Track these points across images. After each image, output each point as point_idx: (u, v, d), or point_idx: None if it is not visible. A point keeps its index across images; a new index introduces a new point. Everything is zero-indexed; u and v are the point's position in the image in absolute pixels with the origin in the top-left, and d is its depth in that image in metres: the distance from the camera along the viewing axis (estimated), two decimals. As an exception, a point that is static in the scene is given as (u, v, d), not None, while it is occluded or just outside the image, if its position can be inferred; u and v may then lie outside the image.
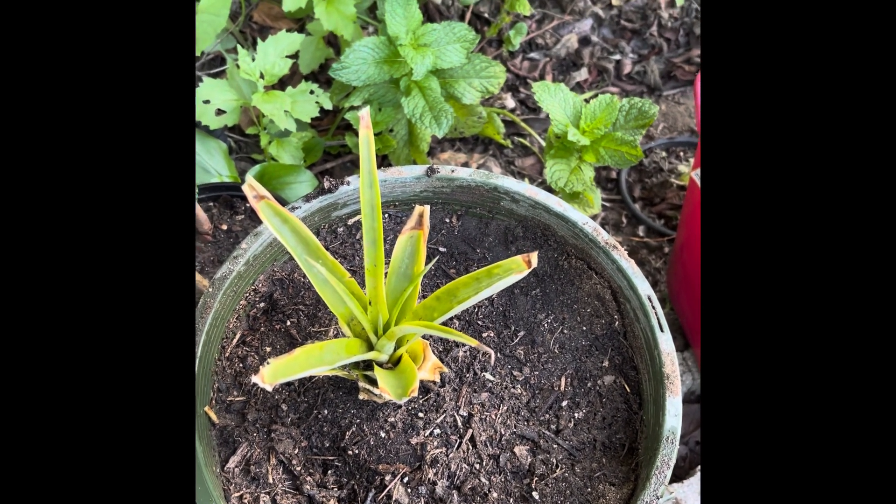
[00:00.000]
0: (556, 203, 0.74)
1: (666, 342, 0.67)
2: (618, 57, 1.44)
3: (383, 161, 1.32)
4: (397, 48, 1.09)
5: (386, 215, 0.79)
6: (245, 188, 0.56)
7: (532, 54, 1.45)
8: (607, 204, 1.30)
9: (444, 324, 0.73)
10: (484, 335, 0.73)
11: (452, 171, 0.76)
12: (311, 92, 1.13)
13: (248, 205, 1.05)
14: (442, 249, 0.79)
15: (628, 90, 1.42)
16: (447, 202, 0.79)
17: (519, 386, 0.71)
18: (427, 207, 0.62)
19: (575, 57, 1.45)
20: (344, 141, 1.30)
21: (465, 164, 1.34)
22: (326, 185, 0.74)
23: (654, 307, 0.69)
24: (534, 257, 0.57)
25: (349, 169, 1.33)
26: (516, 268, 0.57)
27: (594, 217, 1.27)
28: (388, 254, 0.73)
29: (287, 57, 1.11)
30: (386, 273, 0.64)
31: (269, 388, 0.47)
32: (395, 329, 0.57)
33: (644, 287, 0.70)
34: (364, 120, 0.55)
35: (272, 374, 0.49)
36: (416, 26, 1.12)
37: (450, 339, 0.73)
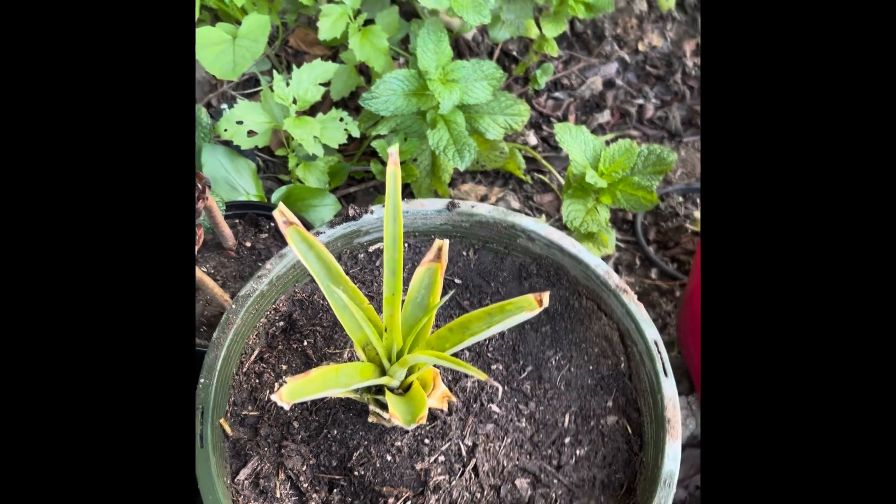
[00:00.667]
0: (570, 244, 0.77)
1: (669, 387, 0.69)
2: (641, 101, 1.47)
3: (405, 189, 1.35)
4: (426, 82, 1.12)
5: (406, 245, 0.82)
6: (276, 213, 0.59)
7: (557, 94, 1.49)
8: (622, 245, 1.32)
9: (456, 355, 0.75)
10: (493, 368, 0.75)
11: (472, 207, 0.79)
12: (341, 119, 1.16)
13: (272, 224, 1.08)
14: (457, 281, 0.81)
15: (649, 134, 1.45)
16: (465, 236, 0.82)
17: (524, 420, 0.73)
18: (446, 242, 0.65)
19: (598, 99, 1.48)
20: (368, 167, 1.34)
21: (485, 197, 1.37)
22: (351, 212, 0.77)
23: (659, 352, 0.71)
24: (545, 297, 0.59)
25: (372, 194, 1.36)
26: (528, 306, 0.60)
27: (608, 258, 1.29)
28: (405, 282, 0.76)
29: (320, 84, 1.16)
30: (403, 301, 0.67)
31: (287, 407, 0.50)
32: (407, 357, 0.60)
33: (651, 332, 0.72)
34: (393, 157, 0.58)
35: (290, 393, 0.51)
36: (446, 62, 1.16)
37: (459, 370, 0.75)
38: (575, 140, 1.09)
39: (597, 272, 0.76)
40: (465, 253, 0.82)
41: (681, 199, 1.37)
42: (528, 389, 0.75)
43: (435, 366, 0.72)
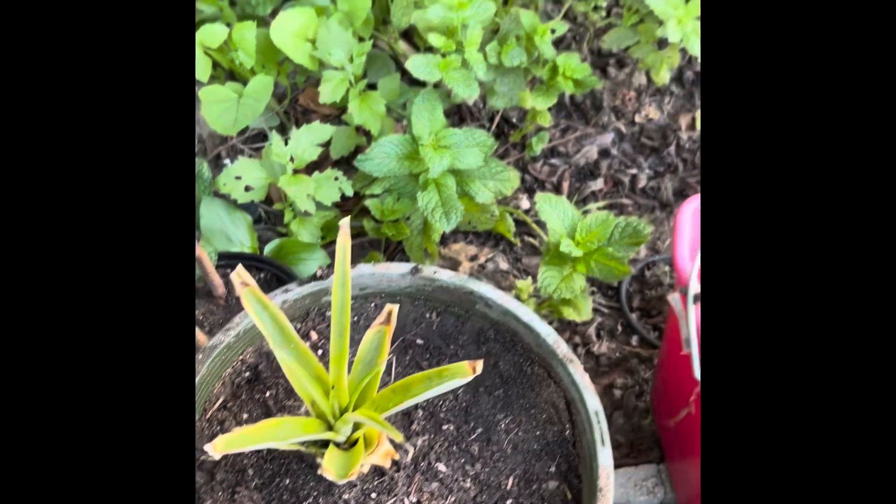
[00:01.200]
0: (524, 313, 0.81)
1: (605, 456, 0.72)
2: (634, 171, 1.52)
3: (398, 247, 1.40)
4: (419, 147, 1.18)
5: (373, 305, 0.86)
6: (233, 276, 0.64)
7: (553, 160, 1.54)
8: (605, 310, 1.35)
9: (407, 413, 0.79)
10: (444, 428, 0.79)
11: (434, 272, 0.84)
12: (336, 178, 1.23)
13: (261, 275, 1.14)
14: (419, 342, 0.85)
15: (641, 203, 1.49)
16: (429, 299, 0.86)
17: (469, 480, 0.76)
18: (396, 307, 0.69)
19: (593, 167, 1.53)
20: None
21: (475, 257, 1.42)
22: (319, 273, 0.82)
23: (599, 422, 0.74)
24: (479, 365, 0.63)
25: (367, 248, 1.41)
26: (462, 373, 0.64)
27: (587, 323, 1.32)
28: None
29: (318, 145, 1.22)
30: (354, 361, 0.71)
31: (217, 457, 0.54)
32: (346, 415, 0.64)
33: (593, 402, 0.75)
34: (343, 228, 0.63)
35: (225, 444, 0.56)
36: (439, 129, 1.21)
37: (411, 427, 0.79)
38: (554, 210, 1.13)
39: (546, 341, 0.79)
40: (428, 315, 0.87)
41: (667, 268, 1.40)
42: (475, 451, 0.78)
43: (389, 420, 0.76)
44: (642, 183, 1.51)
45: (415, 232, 1.33)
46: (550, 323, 1.34)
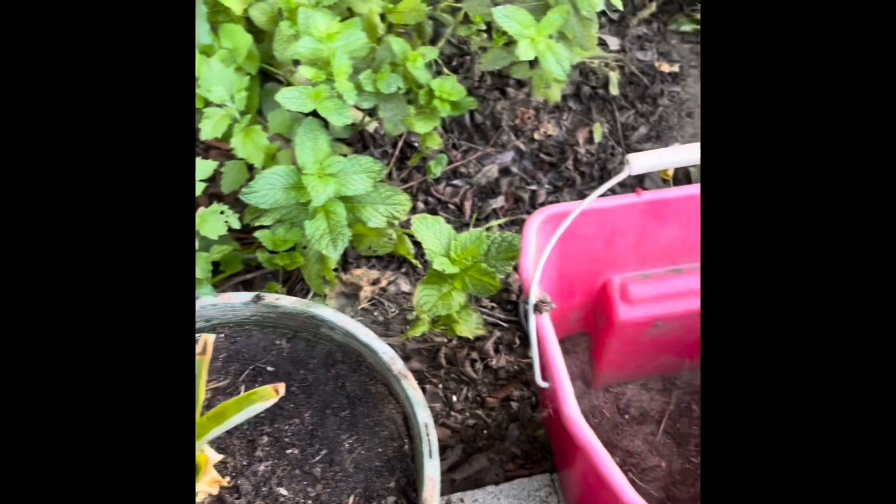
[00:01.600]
0: (363, 334, 0.83)
1: (432, 468, 0.73)
2: (534, 187, 1.55)
3: (295, 274, 1.42)
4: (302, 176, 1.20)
5: (223, 335, 0.88)
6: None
7: (455, 181, 1.56)
8: (504, 324, 1.37)
9: (252, 441, 0.80)
10: (288, 452, 0.80)
11: (276, 299, 0.85)
12: (222, 212, 1.24)
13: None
14: (270, 369, 0.87)
15: (541, 218, 1.51)
16: (276, 326, 0.88)
17: (310, 502, 0.77)
18: (212, 336, 0.71)
19: (494, 185, 1.55)
20: (264, 255, 1.41)
21: (377, 281, 1.43)
22: (160, 307, 0.83)
23: (428, 434, 0.75)
24: (281, 388, 0.65)
25: (269, 278, 1.43)
26: (268, 395, 0.65)
27: (485, 338, 1.34)
28: (216, 371, 0.81)
29: (204, 180, 1.24)
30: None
31: None
32: (155, 444, 0.65)
33: (423, 415, 0.77)
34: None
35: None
36: (324, 157, 1.24)
37: (254, 454, 0.80)
38: (430, 230, 1.15)
39: (384, 359, 0.81)
40: (278, 342, 0.88)
41: (566, 280, 1.43)
42: (318, 473, 0.79)
43: (222, 451, 0.77)
44: (542, 198, 1.53)
45: (311, 260, 1.34)
46: (449, 342, 1.36)
